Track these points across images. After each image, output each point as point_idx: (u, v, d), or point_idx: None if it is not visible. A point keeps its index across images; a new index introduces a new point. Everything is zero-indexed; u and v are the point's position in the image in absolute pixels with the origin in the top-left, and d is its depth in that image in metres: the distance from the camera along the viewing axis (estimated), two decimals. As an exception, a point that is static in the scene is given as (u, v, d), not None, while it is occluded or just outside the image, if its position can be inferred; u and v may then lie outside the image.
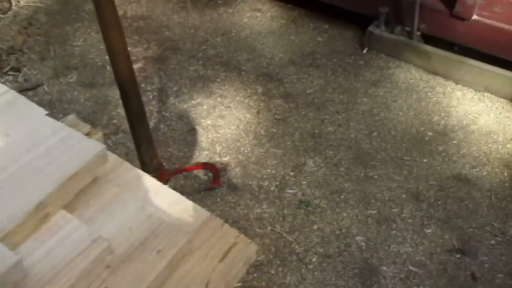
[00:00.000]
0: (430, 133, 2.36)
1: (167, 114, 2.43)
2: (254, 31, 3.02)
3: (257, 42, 2.93)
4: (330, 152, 2.26)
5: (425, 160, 2.23)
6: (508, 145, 2.30)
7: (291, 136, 2.33)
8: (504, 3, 2.37)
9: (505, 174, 2.17)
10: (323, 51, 2.87)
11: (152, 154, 1.65)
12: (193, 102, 2.51)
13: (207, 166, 2.02)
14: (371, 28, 2.79)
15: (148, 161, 1.65)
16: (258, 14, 3.17)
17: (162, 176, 1.76)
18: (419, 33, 2.71)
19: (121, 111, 2.44)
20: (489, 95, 2.56)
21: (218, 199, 2.04)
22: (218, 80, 2.65)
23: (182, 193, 2.02)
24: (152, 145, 1.63)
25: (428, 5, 2.59)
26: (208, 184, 2.07)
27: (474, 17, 2.49)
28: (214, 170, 2.00)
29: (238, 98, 2.53)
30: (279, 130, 2.36)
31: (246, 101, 2.52)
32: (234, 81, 2.64)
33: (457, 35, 2.58)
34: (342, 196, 2.07)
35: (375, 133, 2.36)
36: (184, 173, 2.13)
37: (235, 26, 3.05)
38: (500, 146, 2.30)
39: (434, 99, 2.55)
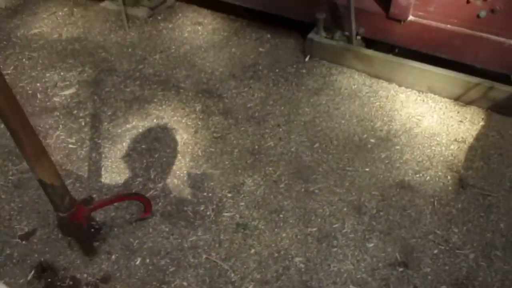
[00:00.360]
0: (372, 140, 2.29)
1: (99, 141, 2.31)
2: (194, 45, 2.92)
3: (197, 57, 2.83)
4: (270, 168, 2.17)
5: (367, 169, 2.15)
6: (452, 146, 2.24)
7: (230, 155, 2.24)
8: (437, 2, 2.33)
9: (448, 177, 2.11)
10: (265, 61, 2.79)
11: (61, 193, 1.53)
12: (128, 126, 2.40)
13: (134, 197, 1.91)
14: (311, 35, 2.72)
15: (57, 201, 1.54)
16: (199, 28, 3.08)
17: (79, 213, 1.64)
18: (359, 37, 2.66)
19: (51, 141, 2.32)
20: (433, 95, 2.51)
21: (151, 229, 1.93)
22: (155, 100, 2.54)
23: (112, 225, 1.95)
24: (60, 183, 1.51)
25: (364, 8, 2.53)
26: (140, 214, 1.96)
27: (410, 17, 2.43)
28: (143, 200, 1.89)
29: (175, 118, 2.43)
30: (217, 149, 2.26)
31: (183, 121, 2.42)
32: (172, 101, 2.54)
33: (395, 37, 2.53)
34: (281, 215, 1.98)
35: (317, 144, 2.28)
36: (116, 203, 2.01)
37: (174, 42, 2.95)
38: (443, 148, 2.24)
39: (377, 103, 2.49)
